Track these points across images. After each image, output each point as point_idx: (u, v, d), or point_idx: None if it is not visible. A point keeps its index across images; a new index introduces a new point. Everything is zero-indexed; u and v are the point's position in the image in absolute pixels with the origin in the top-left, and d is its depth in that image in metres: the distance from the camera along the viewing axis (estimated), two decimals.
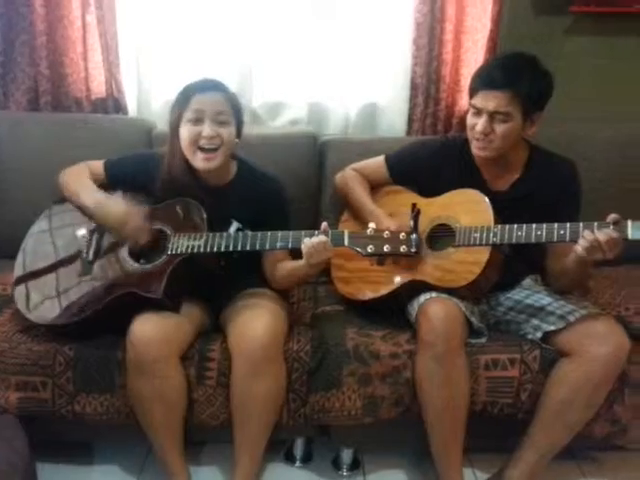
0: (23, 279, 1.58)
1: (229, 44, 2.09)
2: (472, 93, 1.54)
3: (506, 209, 1.53)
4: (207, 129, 1.46)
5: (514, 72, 1.47)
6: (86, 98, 2.11)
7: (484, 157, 1.56)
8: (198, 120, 1.47)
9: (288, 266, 1.52)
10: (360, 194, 1.71)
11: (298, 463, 1.71)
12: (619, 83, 2.18)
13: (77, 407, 1.50)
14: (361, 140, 2.01)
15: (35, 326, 1.53)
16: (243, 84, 2.12)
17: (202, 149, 1.48)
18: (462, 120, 2.16)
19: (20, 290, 1.56)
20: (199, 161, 1.49)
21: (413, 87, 2.10)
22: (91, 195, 1.57)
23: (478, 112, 1.51)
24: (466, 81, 2.12)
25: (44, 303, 1.52)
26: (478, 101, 1.50)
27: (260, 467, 1.56)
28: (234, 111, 1.51)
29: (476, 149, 1.55)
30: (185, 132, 1.48)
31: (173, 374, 1.44)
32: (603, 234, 1.33)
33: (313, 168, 1.98)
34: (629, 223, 1.34)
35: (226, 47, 2.09)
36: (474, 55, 2.08)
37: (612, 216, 1.36)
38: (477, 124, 1.51)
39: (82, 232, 1.60)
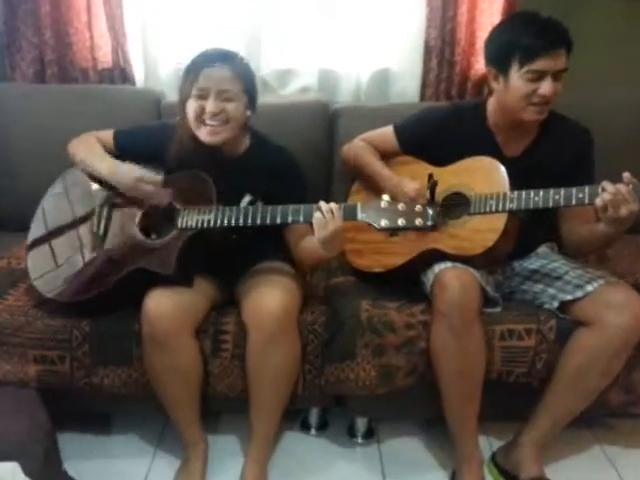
0: (46, 238, 1.60)
1: (237, 10, 2.03)
2: (526, 60, 1.44)
3: (520, 175, 1.50)
4: (210, 105, 1.43)
5: (563, 30, 1.46)
6: (92, 68, 2.07)
7: (538, 119, 1.52)
8: (203, 96, 1.44)
9: (307, 246, 1.49)
10: (373, 162, 1.67)
11: (314, 431, 1.73)
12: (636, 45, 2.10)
13: (95, 379, 1.52)
14: (373, 107, 1.97)
15: (49, 300, 1.53)
16: (251, 51, 2.06)
17: (206, 123, 1.45)
18: (476, 84, 2.11)
19: (43, 250, 1.57)
20: (204, 135, 1.47)
21: (427, 50, 2.05)
22: (104, 162, 1.56)
23: (540, 76, 1.44)
24: (481, 44, 2.04)
25: (57, 270, 1.53)
26: (544, 64, 1.43)
27: (276, 436, 1.58)
28: (244, 84, 1.47)
29: (535, 114, 1.49)
30: (191, 106, 1.46)
31: (188, 347, 1.45)
32: (623, 186, 1.32)
33: (324, 136, 1.94)
34: None
35: (234, 14, 2.03)
36: (490, 17, 2.00)
37: (626, 174, 1.34)
38: (540, 88, 1.45)
39: (97, 186, 1.60)
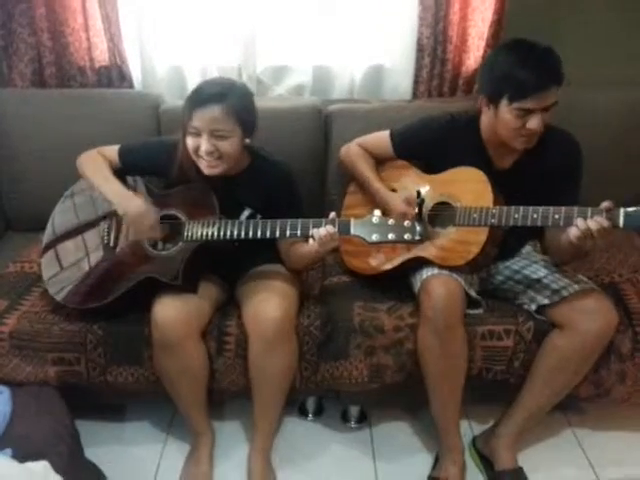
0: (52, 244, 1.71)
1: (232, 8, 2.05)
2: (515, 98, 1.46)
3: (510, 186, 1.57)
4: (204, 144, 1.49)
5: (554, 67, 1.45)
6: (90, 68, 2.10)
7: (527, 147, 1.56)
8: (197, 134, 1.50)
9: (299, 250, 1.60)
10: (366, 171, 1.76)
11: (310, 417, 1.89)
12: (632, 42, 2.13)
13: (109, 377, 1.65)
14: (365, 110, 2.01)
15: (64, 305, 1.64)
16: (247, 49, 2.10)
17: (204, 158, 1.52)
18: (467, 81, 2.16)
19: (51, 254, 1.69)
20: (203, 167, 1.54)
21: (419, 48, 2.08)
22: (111, 187, 1.63)
23: (528, 112, 1.47)
24: (473, 41, 2.10)
25: (61, 273, 1.65)
26: (533, 104, 1.45)
27: (277, 428, 1.73)
28: (238, 119, 1.50)
29: (524, 143, 1.54)
30: (188, 142, 1.53)
31: (195, 351, 1.57)
32: (595, 223, 1.37)
33: (319, 140, 2.00)
34: (621, 211, 1.38)
35: (229, 12, 2.05)
36: (481, 14, 2.04)
37: (605, 204, 1.40)
38: (528, 122, 1.47)
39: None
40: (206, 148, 1.50)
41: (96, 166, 1.67)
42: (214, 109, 1.47)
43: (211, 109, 1.47)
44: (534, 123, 1.48)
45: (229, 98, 1.49)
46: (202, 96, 1.49)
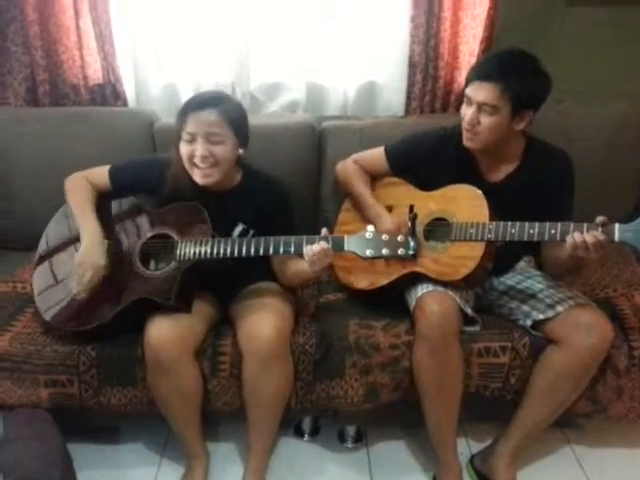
0: (45, 257, 1.69)
1: (225, 25, 2.06)
2: (466, 83, 1.58)
3: (501, 200, 1.58)
4: (200, 149, 1.49)
5: (508, 67, 1.50)
6: (83, 86, 2.10)
7: (472, 148, 1.60)
8: (192, 140, 1.50)
9: (293, 268, 1.60)
10: (360, 188, 1.76)
11: (306, 437, 1.87)
12: (623, 57, 2.14)
13: (103, 399, 1.62)
14: (358, 126, 2.02)
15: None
16: (240, 66, 2.11)
17: (198, 166, 1.52)
18: (460, 97, 2.16)
19: (44, 268, 1.67)
20: (197, 176, 1.54)
21: (411, 65, 2.09)
22: (86, 226, 1.62)
23: (469, 102, 1.55)
24: (464, 57, 2.11)
25: (56, 286, 1.63)
26: (469, 91, 1.55)
27: (272, 448, 1.70)
28: (233, 126, 1.52)
29: (465, 140, 1.60)
30: (182, 149, 1.53)
31: (189, 371, 1.55)
32: (591, 236, 1.38)
33: (312, 156, 2.00)
34: (616, 226, 1.39)
35: (223, 30, 2.06)
36: (472, 31, 2.05)
37: (600, 218, 1.41)
38: (467, 114, 1.55)
39: None
40: (201, 153, 1.49)
41: (79, 196, 1.66)
42: (209, 113, 1.49)
43: (206, 113, 1.49)
44: (467, 113, 1.54)
45: (224, 104, 1.51)
46: (197, 101, 1.51)
